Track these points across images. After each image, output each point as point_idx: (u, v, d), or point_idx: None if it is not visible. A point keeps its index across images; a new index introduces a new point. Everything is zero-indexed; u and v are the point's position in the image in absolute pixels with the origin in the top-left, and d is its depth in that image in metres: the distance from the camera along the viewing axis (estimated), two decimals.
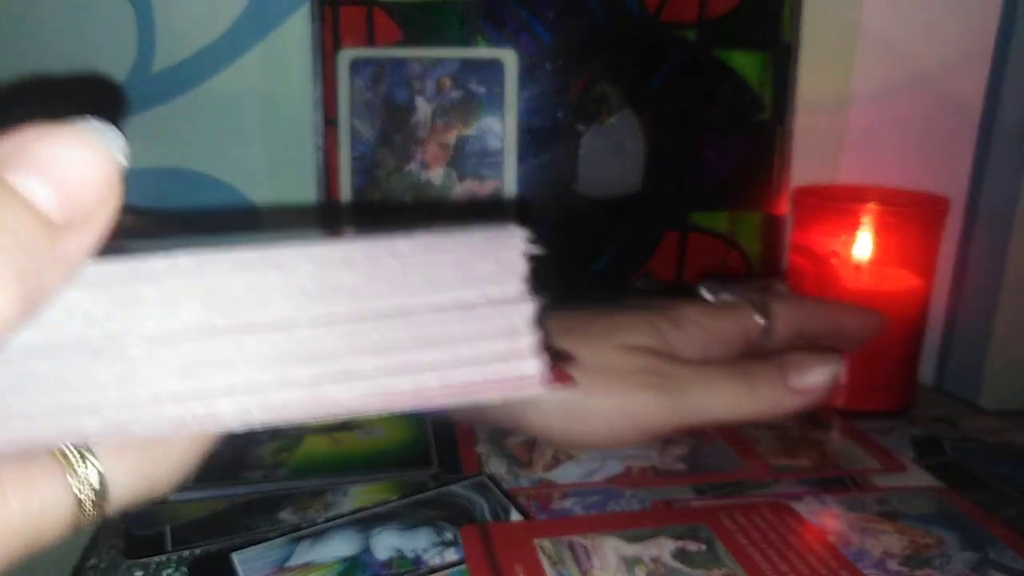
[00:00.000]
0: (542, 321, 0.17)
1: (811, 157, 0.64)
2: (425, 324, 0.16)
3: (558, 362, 0.18)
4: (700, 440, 0.47)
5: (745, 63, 0.62)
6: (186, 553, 0.36)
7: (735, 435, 0.48)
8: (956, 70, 0.64)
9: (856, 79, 0.64)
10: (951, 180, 0.65)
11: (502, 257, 0.16)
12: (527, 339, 0.16)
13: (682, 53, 0.62)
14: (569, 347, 0.33)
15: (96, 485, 0.16)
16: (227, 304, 0.15)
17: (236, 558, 0.35)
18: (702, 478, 0.43)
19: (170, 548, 0.36)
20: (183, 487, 0.18)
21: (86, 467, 0.16)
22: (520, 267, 0.16)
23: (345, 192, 0.61)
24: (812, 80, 0.63)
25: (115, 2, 0.60)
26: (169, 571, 0.35)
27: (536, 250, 0.17)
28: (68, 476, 0.16)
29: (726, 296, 0.40)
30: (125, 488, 0.17)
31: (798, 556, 0.35)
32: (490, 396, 0.16)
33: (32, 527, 0.15)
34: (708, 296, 0.40)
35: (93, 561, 0.36)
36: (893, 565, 0.35)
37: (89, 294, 0.15)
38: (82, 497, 0.16)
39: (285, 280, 0.15)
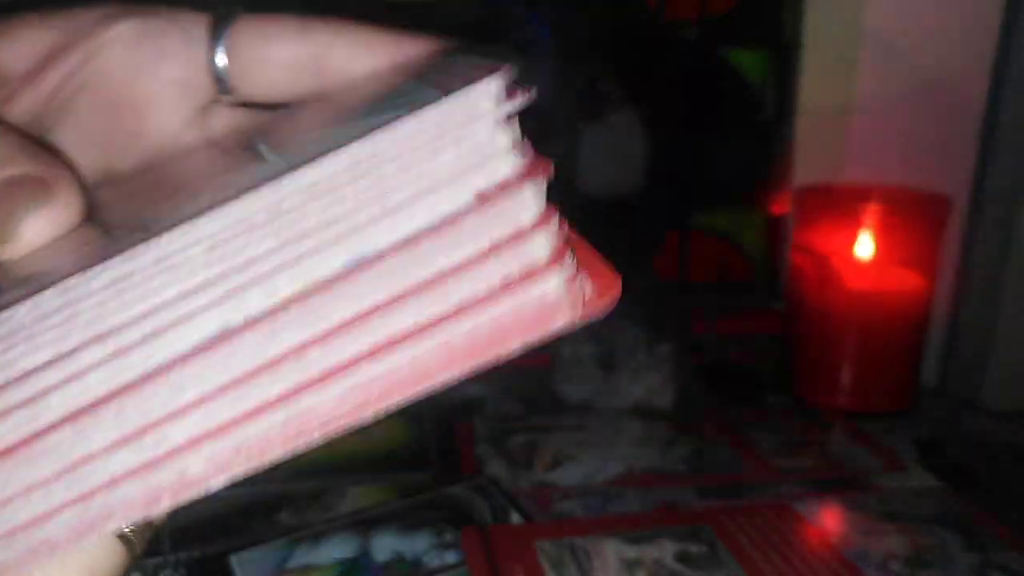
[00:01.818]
0: (556, 213, 0.12)
1: (813, 156, 0.64)
2: (390, 267, 0.11)
3: (593, 267, 0.12)
4: (702, 441, 0.47)
5: (747, 61, 0.62)
6: (184, 555, 0.35)
7: (737, 436, 0.48)
8: (958, 69, 0.65)
9: (859, 79, 0.65)
10: (954, 180, 0.65)
11: (467, 140, 0.11)
12: (540, 245, 0.11)
13: (683, 51, 0.62)
14: None
15: None
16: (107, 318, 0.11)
17: (234, 560, 0.35)
18: (704, 479, 0.43)
19: (168, 550, 0.36)
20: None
21: None
22: (501, 141, 0.11)
23: None
24: (814, 79, 0.63)
25: None
26: (167, 572, 0.34)
27: (526, 99, 0.12)
28: None
29: None
30: None
31: (800, 558, 0.35)
32: (509, 348, 0.11)
33: None
34: None
35: None
36: (895, 566, 0.35)
37: None
38: None
39: (170, 273, 0.11)
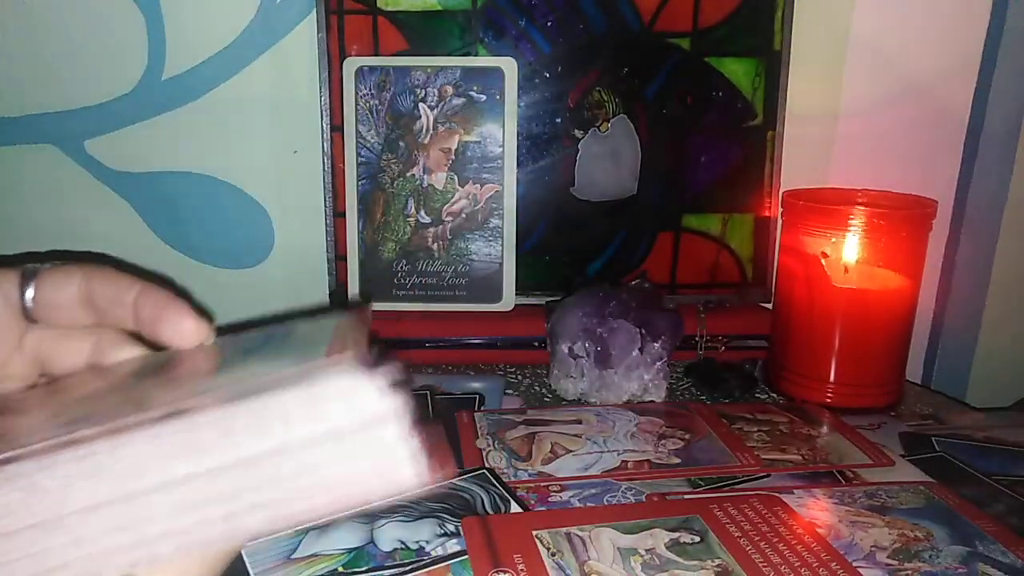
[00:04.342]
0: (414, 422, 0.18)
1: (802, 161, 0.65)
2: (302, 456, 0.18)
3: (432, 455, 0.19)
4: (694, 435, 0.48)
5: (737, 70, 0.63)
6: None
7: (728, 431, 0.49)
8: (944, 77, 0.65)
9: (846, 86, 0.65)
10: (939, 183, 0.66)
11: (349, 384, 0.18)
12: (401, 450, 0.18)
13: (676, 61, 0.63)
14: None
15: None
16: (124, 477, 0.18)
17: (243, 550, 0.35)
18: (696, 472, 0.43)
19: None
20: None
21: None
22: (372, 383, 0.18)
23: (351, 196, 0.62)
24: (803, 87, 0.64)
25: (126, 10, 0.61)
26: None
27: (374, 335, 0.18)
28: None
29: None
30: None
31: (790, 548, 0.36)
32: (372, 498, 0.19)
33: None
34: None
35: None
36: (882, 558, 0.35)
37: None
38: None
39: (158, 450, 0.18)
